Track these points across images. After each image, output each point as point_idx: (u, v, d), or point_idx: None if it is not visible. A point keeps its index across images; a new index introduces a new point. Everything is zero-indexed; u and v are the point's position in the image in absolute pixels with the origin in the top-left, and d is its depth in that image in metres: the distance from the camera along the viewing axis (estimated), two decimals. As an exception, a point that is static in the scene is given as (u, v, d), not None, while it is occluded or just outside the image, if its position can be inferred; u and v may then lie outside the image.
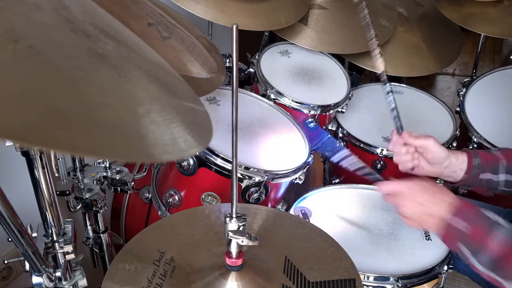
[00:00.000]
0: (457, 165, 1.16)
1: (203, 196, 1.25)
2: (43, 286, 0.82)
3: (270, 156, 1.30)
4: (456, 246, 0.99)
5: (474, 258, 0.97)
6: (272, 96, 1.49)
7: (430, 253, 1.15)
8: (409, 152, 1.17)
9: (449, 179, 1.18)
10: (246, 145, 1.30)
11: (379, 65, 1.23)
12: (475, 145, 1.53)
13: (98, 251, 1.23)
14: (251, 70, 1.59)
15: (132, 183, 1.21)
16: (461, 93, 1.68)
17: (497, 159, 1.15)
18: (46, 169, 0.82)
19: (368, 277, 1.06)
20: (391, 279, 1.06)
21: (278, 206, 1.34)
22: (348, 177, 1.68)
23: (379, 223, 1.24)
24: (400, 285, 1.05)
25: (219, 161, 1.18)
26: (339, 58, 1.74)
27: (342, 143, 1.61)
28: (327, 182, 1.82)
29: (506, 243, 0.93)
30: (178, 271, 0.81)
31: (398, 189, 1.04)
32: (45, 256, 0.87)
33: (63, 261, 0.89)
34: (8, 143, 0.72)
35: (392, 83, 1.80)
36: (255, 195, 1.21)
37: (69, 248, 0.88)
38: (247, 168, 1.19)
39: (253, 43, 1.83)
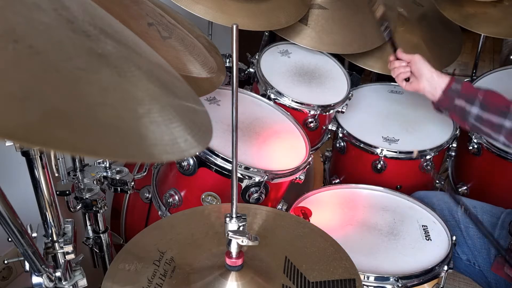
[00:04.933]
0: (437, 82, 1.33)
1: (203, 196, 1.25)
2: (43, 286, 0.82)
3: (270, 156, 1.30)
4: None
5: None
6: (272, 96, 1.49)
7: (430, 253, 1.15)
8: (401, 65, 1.40)
9: (430, 95, 1.35)
10: (246, 145, 1.30)
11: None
12: (475, 145, 1.53)
13: (98, 251, 1.23)
14: (251, 70, 1.59)
15: (132, 183, 1.21)
16: (461, 93, 1.67)
17: (476, 93, 1.29)
18: (46, 169, 0.82)
19: (368, 277, 1.06)
20: (391, 279, 1.06)
21: (278, 206, 1.34)
22: (348, 177, 1.68)
23: (379, 223, 1.24)
24: (400, 285, 1.05)
25: (219, 161, 1.18)
26: (339, 58, 1.74)
27: (343, 143, 1.61)
28: (327, 182, 1.82)
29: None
30: (178, 271, 0.81)
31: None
32: (45, 256, 0.87)
33: (63, 261, 0.89)
34: (8, 143, 0.72)
35: (392, 83, 1.81)
36: (255, 195, 1.21)
37: (69, 248, 0.88)
38: (247, 168, 1.19)
39: (253, 43, 1.83)
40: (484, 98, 1.27)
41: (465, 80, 1.68)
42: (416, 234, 1.21)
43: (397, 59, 1.42)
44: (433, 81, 1.33)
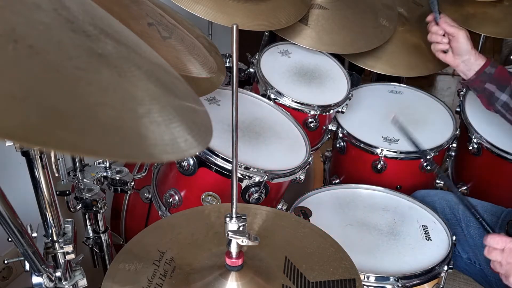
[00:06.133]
0: (473, 63, 1.33)
1: (203, 196, 1.25)
2: (43, 286, 0.82)
3: (270, 156, 1.30)
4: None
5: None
6: (272, 96, 1.49)
7: (430, 253, 1.15)
8: (438, 33, 1.37)
9: (462, 74, 1.36)
10: (246, 145, 1.30)
11: None
12: (475, 145, 1.53)
13: (98, 251, 1.23)
14: (251, 70, 1.59)
15: (132, 183, 1.21)
16: (461, 93, 1.68)
17: (509, 80, 1.29)
18: (46, 169, 0.82)
19: (368, 277, 1.06)
20: (391, 279, 1.06)
21: (278, 206, 1.34)
22: (348, 177, 1.68)
23: (379, 223, 1.24)
24: (400, 285, 1.05)
25: (219, 161, 1.18)
26: (339, 58, 1.74)
27: (343, 143, 1.61)
28: (327, 182, 1.82)
29: None
30: (178, 271, 0.81)
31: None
32: (45, 256, 0.87)
33: (63, 261, 0.89)
34: (8, 143, 0.72)
35: (392, 83, 1.81)
36: (255, 195, 1.21)
37: (69, 248, 0.88)
38: (247, 168, 1.19)
39: (253, 43, 1.83)
40: None
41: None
42: (416, 234, 1.21)
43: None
44: (469, 63, 1.33)
